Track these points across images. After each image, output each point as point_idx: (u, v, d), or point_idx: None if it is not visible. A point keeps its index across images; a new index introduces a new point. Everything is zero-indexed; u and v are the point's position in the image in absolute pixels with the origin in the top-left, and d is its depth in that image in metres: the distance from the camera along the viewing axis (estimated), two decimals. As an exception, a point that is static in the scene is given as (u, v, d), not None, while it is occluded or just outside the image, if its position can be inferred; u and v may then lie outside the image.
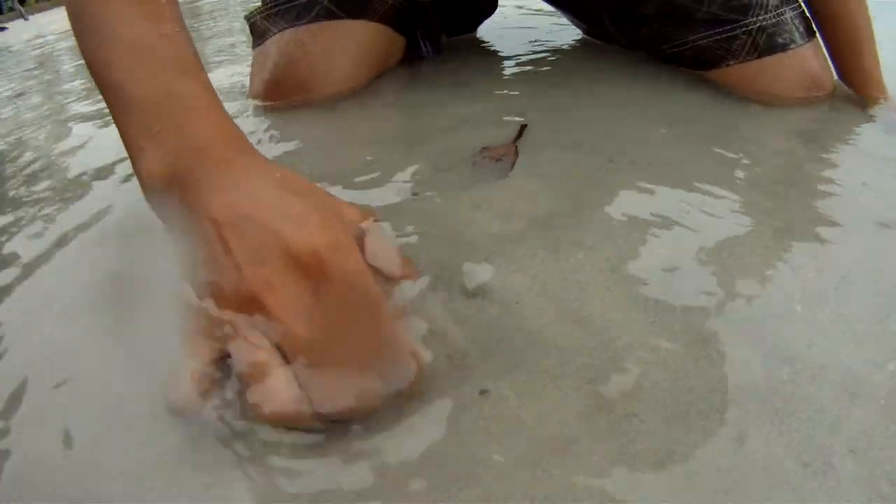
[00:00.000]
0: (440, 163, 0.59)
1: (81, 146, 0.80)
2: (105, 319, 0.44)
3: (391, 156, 0.62)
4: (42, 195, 0.66)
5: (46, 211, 0.62)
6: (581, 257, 0.45)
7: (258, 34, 0.79)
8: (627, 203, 0.51)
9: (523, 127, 0.64)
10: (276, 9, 0.77)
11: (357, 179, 0.58)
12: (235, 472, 0.32)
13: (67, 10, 0.48)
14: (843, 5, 0.73)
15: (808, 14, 0.76)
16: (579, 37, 1.02)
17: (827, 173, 0.57)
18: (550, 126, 0.65)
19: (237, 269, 0.35)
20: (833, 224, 0.49)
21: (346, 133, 0.70)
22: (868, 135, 0.66)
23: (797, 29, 0.72)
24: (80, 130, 0.89)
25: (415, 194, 0.54)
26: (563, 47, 0.98)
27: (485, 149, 0.60)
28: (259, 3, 0.81)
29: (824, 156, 0.61)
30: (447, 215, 0.50)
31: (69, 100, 1.13)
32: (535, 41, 1.03)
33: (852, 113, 0.71)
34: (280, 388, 0.33)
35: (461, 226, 0.49)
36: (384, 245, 0.41)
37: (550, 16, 1.05)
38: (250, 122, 0.74)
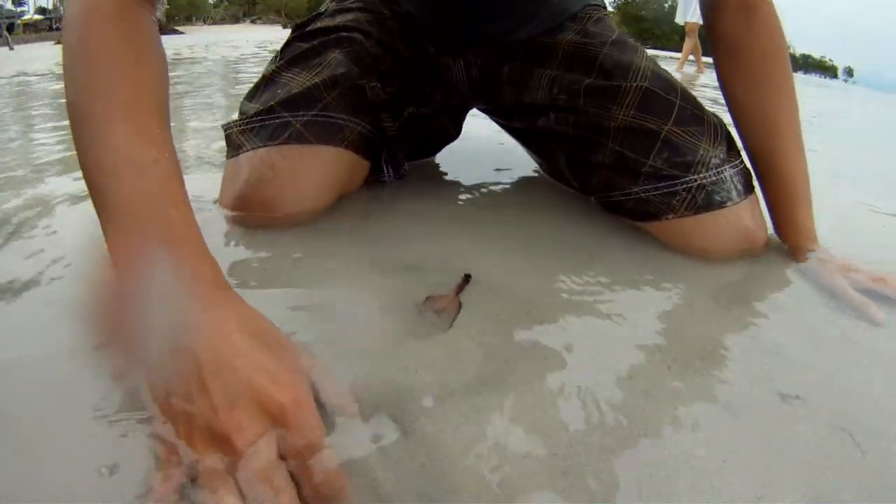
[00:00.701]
0: (388, 307, 0.65)
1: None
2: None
3: (341, 291, 0.68)
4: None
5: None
6: (499, 426, 0.50)
7: (233, 146, 0.85)
8: (548, 367, 0.57)
9: (467, 278, 0.70)
10: (252, 125, 0.83)
11: (304, 309, 0.64)
12: None
13: (72, 127, 0.56)
14: (783, 161, 0.81)
15: (749, 169, 0.83)
16: (536, 171, 1.09)
17: (742, 340, 0.64)
18: (493, 275, 0.72)
19: (213, 410, 0.42)
20: (733, 395, 0.55)
21: (302, 259, 0.75)
22: (794, 293, 0.73)
23: (735, 187, 0.79)
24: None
25: (362, 339, 0.59)
26: (519, 182, 1.07)
27: (429, 298, 0.66)
28: (237, 117, 0.88)
29: (746, 319, 0.68)
30: (388, 363, 0.56)
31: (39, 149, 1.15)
32: (493, 172, 1.12)
33: (783, 266, 0.79)
34: None
35: (398, 375, 0.54)
36: (335, 388, 0.50)
37: (511, 147, 1.12)
38: (216, 229, 0.80)
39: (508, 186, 1.05)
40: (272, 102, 0.83)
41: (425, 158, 1.15)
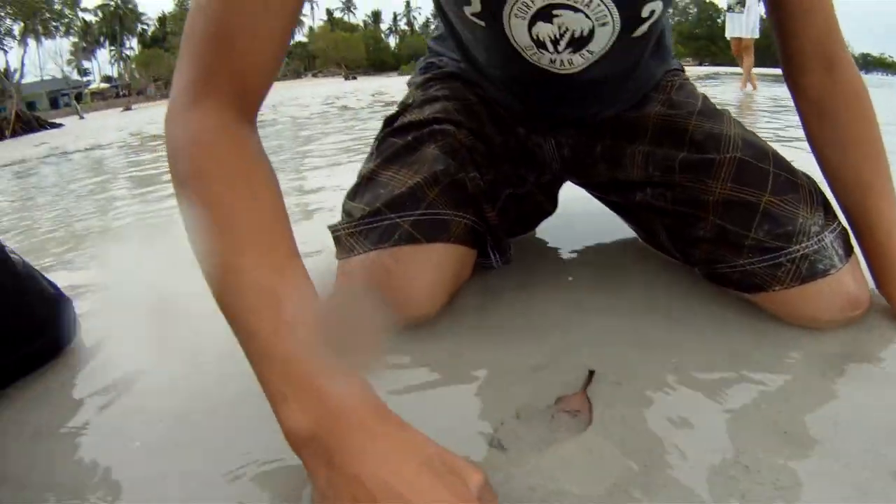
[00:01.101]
0: (522, 410, 0.68)
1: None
2: None
3: (472, 396, 0.71)
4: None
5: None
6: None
7: (343, 249, 0.88)
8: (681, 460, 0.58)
9: (591, 374, 0.72)
10: (360, 228, 0.87)
11: (441, 420, 0.66)
12: None
13: (199, 258, 0.58)
14: (880, 220, 0.80)
15: (847, 229, 0.83)
16: (634, 239, 1.12)
17: (848, 412, 0.64)
18: (617, 367, 0.74)
19: None
20: (844, 476, 0.55)
21: (425, 367, 0.78)
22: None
23: (836, 252, 0.79)
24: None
25: (502, 447, 0.62)
26: (621, 253, 1.10)
27: (560, 400, 0.68)
28: (343, 217, 0.92)
29: (856, 391, 0.68)
30: (531, 472, 0.58)
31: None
32: (593, 241, 1.15)
33: (887, 329, 0.79)
34: None
35: (541, 481, 0.57)
36: None
37: (606, 214, 1.14)
38: None
39: (611, 259, 1.07)
40: (378, 204, 0.87)
41: (524, 234, 1.17)
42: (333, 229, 0.91)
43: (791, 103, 0.86)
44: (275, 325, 0.52)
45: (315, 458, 0.50)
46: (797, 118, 0.86)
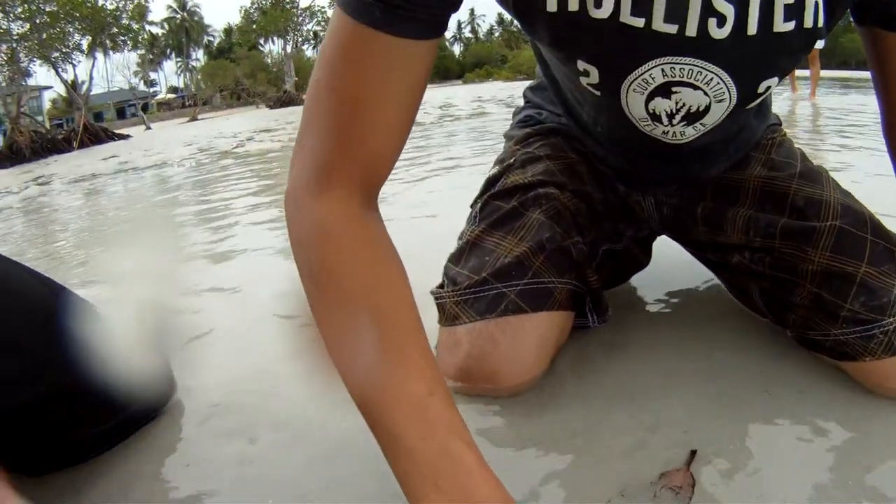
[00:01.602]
0: (625, 489, 0.69)
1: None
2: None
3: (577, 472, 0.73)
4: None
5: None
6: None
7: (448, 317, 0.91)
8: None
9: (693, 453, 0.73)
10: (466, 297, 0.89)
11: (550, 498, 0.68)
12: None
13: (332, 353, 0.60)
14: None
15: None
16: (726, 295, 1.11)
17: None
18: (715, 444, 0.74)
19: None
20: None
21: (525, 440, 0.80)
22: None
23: None
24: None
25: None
26: (715, 311, 1.09)
27: (663, 475, 0.68)
28: (446, 283, 0.94)
29: None
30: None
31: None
32: (683, 294, 1.15)
33: None
34: None
35: None
36: None
37: (697, 266, 1.14)
38: None
39: (702, 314, 1.07)
40: (484, 274, 0.89)
41: (618, 286, 1.18)
42: (437, 296, 0.93)
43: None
44: (417, 431, 0.55)
45: None
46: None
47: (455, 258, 0.95)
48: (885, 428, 0.75)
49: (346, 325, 0.60)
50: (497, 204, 0.97)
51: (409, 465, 0.55)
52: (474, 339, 0.86)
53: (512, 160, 1.04)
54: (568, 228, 0.94)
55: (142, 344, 0.89)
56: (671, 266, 1.28)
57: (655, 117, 0.81)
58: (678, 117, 0.80)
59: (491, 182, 1.02)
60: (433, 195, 2.53)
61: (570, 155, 1.03)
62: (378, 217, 0.67)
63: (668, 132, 0.84)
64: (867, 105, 4.87)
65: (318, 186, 0.63)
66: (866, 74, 0.93)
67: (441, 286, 0.95)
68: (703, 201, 0.99)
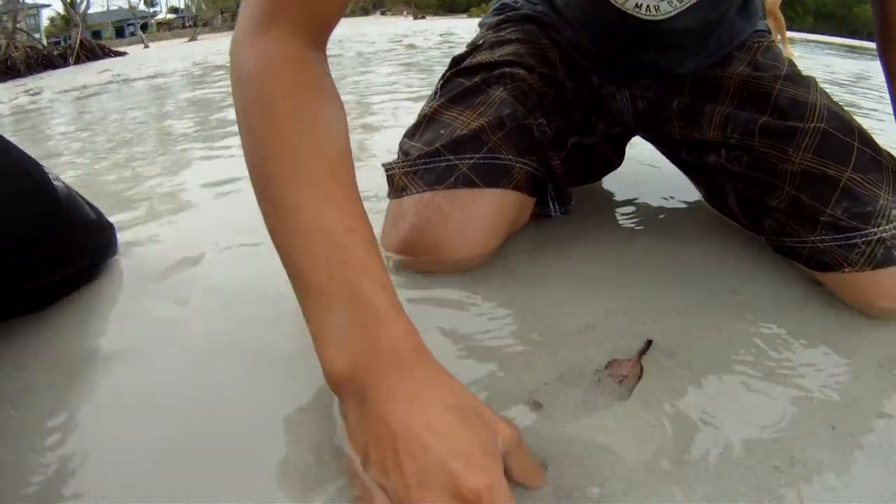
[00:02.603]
0: (566, 371, 0.65)
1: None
2: None
3: (517, 352, 0.69)
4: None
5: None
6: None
7: (396, 188, 0.87)
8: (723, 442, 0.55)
9: (648, 343, 0.69)
10: (416, 167, 0.85)
11: (479, 376, 0.64)
12: None
13: (256, 189, 0.58)
14: None
15: None
16: (700, 202, 1.07)
17: None
18: (672, 337, 0.71)
19: (405, 488, 0.43)
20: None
21: (469, 314, 0.76)
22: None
23: None
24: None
25: (538, 408, 0.60)
26: (686, 215, 1.04)
27: (611, 364, 0.64)
28: (399, 156, 0.90)
29: None
30: (570, 438, 0.56)
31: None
32: (658, 199, 1.10)
33: None
34: None
35: (575, 449, 0.55)
36: (527, 465, 0.50)
37: (672, 173, 1.10)
38: None
39: (675, 219, 1.03)
40: (437, 144, 0.85)
41: (586, 184, 1.13)
42: (388, 168, 0.89)
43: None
44: (328, 268, 0.53)
45: (350, 397, 0.51)
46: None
47: (411, 132, 0.91)
48: (862, 339, 0.71)
49: (272, 154, 0.57)
50: (460, 80, 0.92)
51: (315, 305, 0.53)
52: (420, 209, 0.82)
53: (481, 42, 1.00)
54: (532, 109, 0.89)
55: (84, 206, 0.86)
56: (646, 172, 1.23)
57: None
58: None
59: (456, 61, 0.98)
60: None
61: (542, 41, 0.98)
62: (324, 60, 0.64)
63: (641, 5, 0.79)
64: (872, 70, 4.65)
65: (262, 26, 0.60)
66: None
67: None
68: (680, 97, 0.94)
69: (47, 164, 0.82)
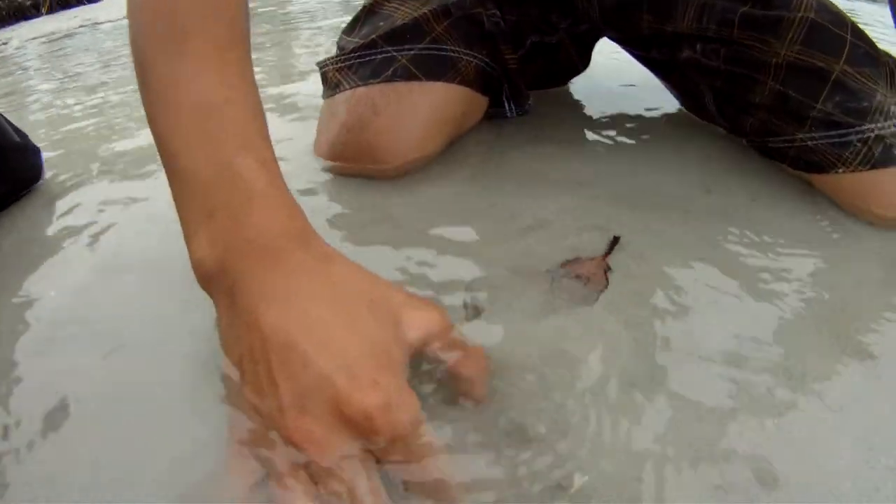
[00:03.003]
0: (515, 270, 0.53)
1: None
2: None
3: (458, 253, 0.57)
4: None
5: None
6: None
7: (330, 86, 0.76)
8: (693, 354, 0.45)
9: (616, 239, 0.57)
10: (351, 62, 0.74)
11: (412, 277, 0.53)
12: None
13: (135, 63, 0.47)
14: None
15: None
16: (677, 108, 0.94)
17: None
18: (638, 238, 0.59)
19: (280, 413, 0.35)
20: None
21: (411, 215, 0.65)
22: None
23: None
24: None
25: (477, 314, 0.48)
26: (659, 119, 0.91)
27: (569, 263, 0.53)
28: (335, 52, 0.78)
29: None
30: (514, 349, 0.45)
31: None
32: (627, 105, 0.97)
33: None
34: None
35: (529, 360, 0.44)
36: (467, 363, 0.41)
37: (646, 78, 0.97)
38: (308, 181, 0.71)
39: (646, 123, 0.90)
40: (373, 36, 0.74)
41: (549, 88, 1.01)
42: (321, 65, 0.78)
43: None
44: (200, 147, 0.42)
45: (220, 297, 0.41)
46: None
47: (348, 28, 0.80)
48: (857, 246, 0.61)
49: (148, 27, 0.46)
50: None
51: (183, 191, 0.42)
52: (353, 106, 0.71)
53: None
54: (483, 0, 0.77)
55: (7, 129, 0.78)
56: (620, 87, 1.10)
57: None
58: None
59: None
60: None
61: None
62: None
63: None
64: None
65: None
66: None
67: None
68: None
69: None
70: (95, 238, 0.66)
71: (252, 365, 0.37)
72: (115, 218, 0.70)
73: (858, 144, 0.64)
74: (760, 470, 0.37)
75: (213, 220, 0.40)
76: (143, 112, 0.45)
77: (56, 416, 0.43)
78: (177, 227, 0.42)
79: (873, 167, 0.64)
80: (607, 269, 0.53)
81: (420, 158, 0.73)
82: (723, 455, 0.38)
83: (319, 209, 0.65)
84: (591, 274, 0.52)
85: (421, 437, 0.35)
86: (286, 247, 0.40)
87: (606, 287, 0.51)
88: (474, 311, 0.48)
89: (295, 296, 0.37)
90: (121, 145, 0.94)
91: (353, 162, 0.72)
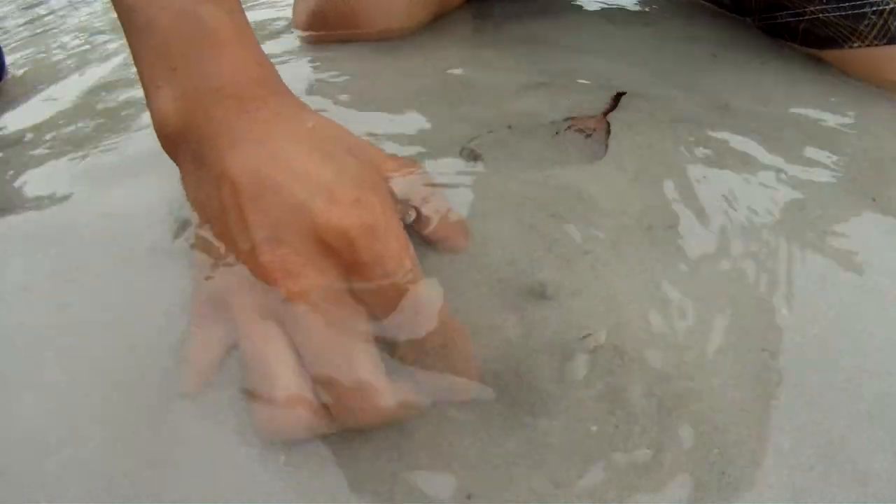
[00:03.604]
0: (516, 123, 0.50)
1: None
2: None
3: (452, 115, 0.53)
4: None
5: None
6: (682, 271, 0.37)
7: None
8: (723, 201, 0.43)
9: (619, 95, 0.54)
10: None
11: (405, 132, 0.50)
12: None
13: None
14: None
15: None
16: None
17: None
18: (640, 97, 0.56)
19: (253, 250, 0.32)
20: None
21: (397, 79, 0.60)
22: None
23: None
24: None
25: (475, 159, 0.45)
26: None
27: (571, 118, 0.50)
28: None
29: None
30: (519, 201, 0.42)
31: None
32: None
33: None
34: (288, 399, 0.29)
35: (536, 219, 0.40)
36: (437, 207, 0.38)
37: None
38: (287, 52, 0.67)
39: (656, 10, 0.87)
40: None
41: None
42: None
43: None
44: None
45: (186, 160, 0.37)
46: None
47: None
48: (883, 111, 0.58)
49: None
50: None
51: (143, 45, 0.38)
52: None
53: None
54: None
55: None
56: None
57: None
58: None
59: None
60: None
61: None
62: None
63: None
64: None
65: None
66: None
67: None
68: None
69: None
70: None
71: (221, 214, 0.33)
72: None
73: (874, 17, 0.61)
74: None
75: (177, 73, 0.36)
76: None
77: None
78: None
79: (890, 42, 0.61)
80: (609, 126, 0.50)
81: (399, 29, 0.69)
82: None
83: (300, 80, 0.60)
84: (593, 129, 0.50)
85: (409, 272, 0.32)
86: (259, 94, 0.37)
87: (608, 139, 0.49)
88: (472, 156, 0.45)
89: (267, 141, 0.34)
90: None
91: (333, 29, 0.67)
